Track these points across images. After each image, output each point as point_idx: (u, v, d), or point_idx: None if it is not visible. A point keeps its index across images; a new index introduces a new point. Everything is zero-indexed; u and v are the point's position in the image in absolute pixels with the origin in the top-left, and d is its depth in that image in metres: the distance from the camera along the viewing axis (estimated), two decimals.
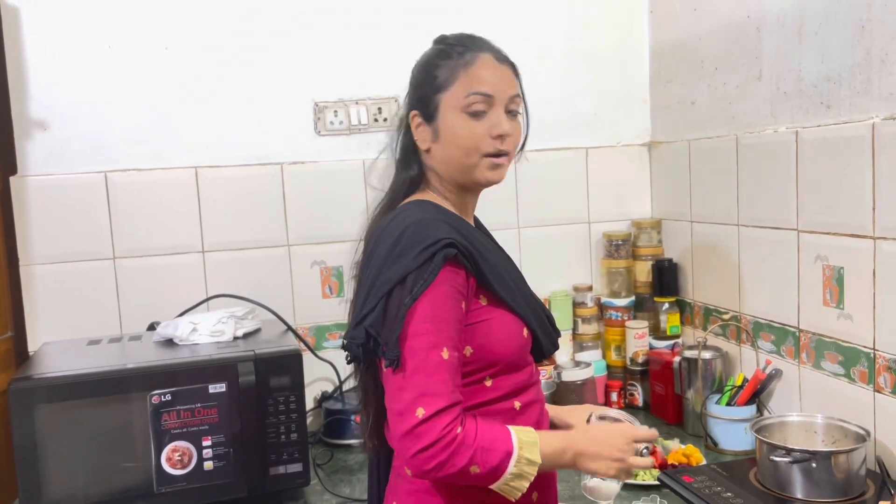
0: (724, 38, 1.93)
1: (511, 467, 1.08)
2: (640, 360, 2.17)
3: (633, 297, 2.26)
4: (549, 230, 2.27)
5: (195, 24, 2.00)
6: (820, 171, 1.61)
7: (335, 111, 2.10)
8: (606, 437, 1.19)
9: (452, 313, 1.10)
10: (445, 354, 1.08)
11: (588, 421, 1.36)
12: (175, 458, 1.55)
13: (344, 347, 1.17)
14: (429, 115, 1.21)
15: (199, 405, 1.56)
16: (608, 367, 2.25)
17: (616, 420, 1.33)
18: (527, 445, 1.10)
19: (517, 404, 1.20)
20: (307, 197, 2.10)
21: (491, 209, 2.17)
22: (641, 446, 1.22)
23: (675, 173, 2.20)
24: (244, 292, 1.98)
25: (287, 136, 2.08)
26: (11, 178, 1.90)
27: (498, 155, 1.20)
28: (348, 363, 1.19)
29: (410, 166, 1.26)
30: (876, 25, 1.44)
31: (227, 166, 2.04)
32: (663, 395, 2.06)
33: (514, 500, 1.12)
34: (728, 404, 1.85)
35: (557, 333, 1.31)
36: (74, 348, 1.74)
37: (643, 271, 2.26)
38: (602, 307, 2.28)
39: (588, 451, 1.16)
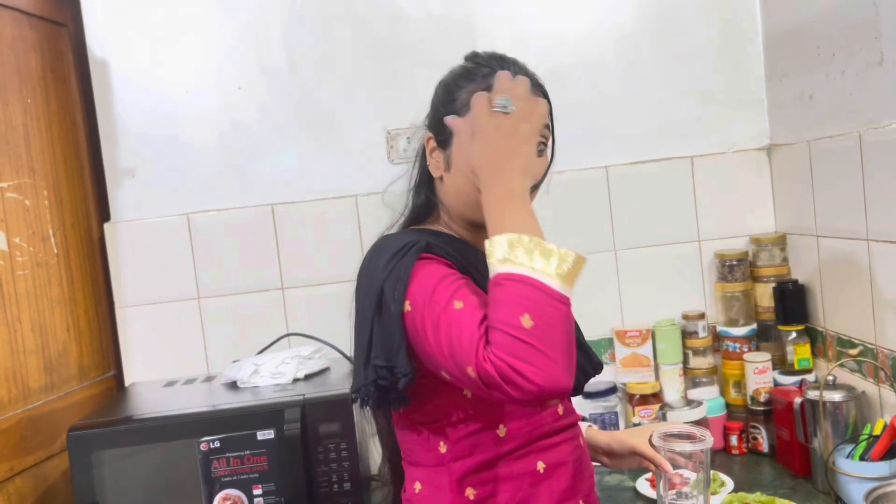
0: (839, 18, 1.62)
1: (548, 279, 0.87)
2: (763, 398, 1.87)
3: (753, 326, 1.96)
4: (651, 251, 2.04)
5: (262, 63, 2.00)
6: None
7: (407, 138, 2.01)
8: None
9: (449, 278, 0.96)
10: (458, 304, 0.92)
11: (650, 441, 1.16)
12: None
13: (362, 400, 1.04)
14: (443, 140, 1.08)
15: (248, 452, 1.52)
16: (727, 405, 1.97)
17: (685, 437, 1.15)
18: (510, 249, 0.90)
19: (540, 465, 1.04)
20: (383, 228, 2.02)
21: (581, 231, 2.02)
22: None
23: (797, 180, 1.89)
24: (322, 329, 1.94)
25: (360, 166, 2.02)
26: (105, 225, 2.00)
27: None
28: (362, 407, 1.07)
29: (419, 195, 1.14)
30: None
31: (302, 202, 2.02)
32: (788, 441, 1.76)
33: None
34: (862, 458, 1.53)
35: (595, 363, 1.12)
36: (150, 391, 1.78)
37: (765, 295, 1.96)
38: (718, 337, 2.00)
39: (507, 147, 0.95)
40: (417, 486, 1.04)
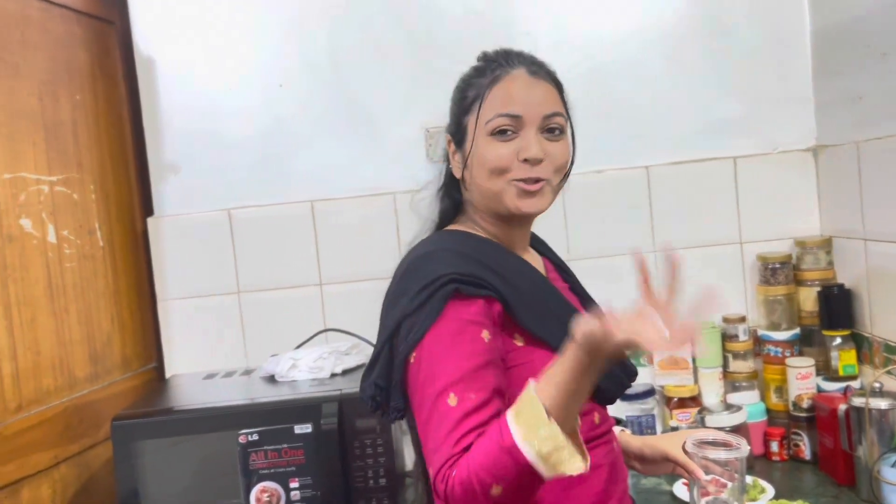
0: (890, 16, 1.58)
1: (532, 456, 0.88)
2: (805, 404, 1.83)
3: (796, 330, 1.92)
4: (692, 253, 2.00)
5: (304, 60, 2.02)
6: None
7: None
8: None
9: (464, 349, 0.97)
10: (453, 400, 0.94)
11: (684, 447, 1.15)
12: (264, 498, 1.54)
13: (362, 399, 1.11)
14: (459, 139, 1.12)
15: (285, 445, 1.54)
16: (768, 411, 1.93)
17: (720, 444, 1.12)
18: (525, 419, 0.89)
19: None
20: (420, 226, 2.03)
21: (620, 230, 2.00)
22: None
23: (844, 182, 1.84)
24: (359, 325, 1.95)
25: (399, 163, 2.03)
26: (149, 219, 2.04)
27: (528, 181, 1.05)
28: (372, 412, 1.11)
29: (446, 197, 1.17)
30: None
31: (341, 198, 2.03)
32: (832, 448, 1.72)
33: (584, 466, 0.91)
34: None
35: (631, 373, 1.11)
36: (190, 382, 1.81)
37: (808, 299, 1.91)
38: (759, 341, 1.96)
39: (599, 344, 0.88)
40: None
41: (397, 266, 1.10)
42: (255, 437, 1.54)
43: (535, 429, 0.88)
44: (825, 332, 1.86)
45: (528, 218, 1.11)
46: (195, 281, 2.03)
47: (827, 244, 1.93)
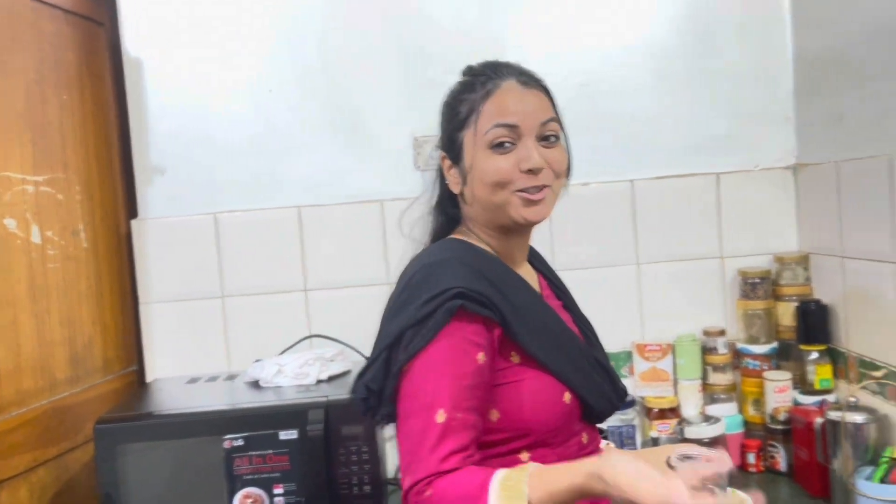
0: (873, 42, 1.63)
1: None
2: (782, 417, 1.87)
3: (774, 344, 1.96)
4: (675, 266, 2.04)
5: (295, 66, 2.02)
6: None
7: (434, 145, 2.01)
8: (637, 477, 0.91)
9: (459, 369, 0.98)
10: (441, 417, 0.96)
11: (668, 462, 1.15)
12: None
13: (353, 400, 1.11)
14: (455, 155, 1.12)
15: (270, 451, 1.54)
16: (745, 423, 1.96)
17: (702, 459, 1.10)
18: (509, 480, 0.91)
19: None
20: (408, 234, 2.04)
21: (605, 243, 2.03)
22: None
23: (822, 200, 1.89)
24: (344, 331, 1.96)
25: (387, 172, 2.04)
26: (133, 221, 2.02)
27: (532, 190, 1.06)
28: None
29: (441, 214, 1.18)
30: None
31: (329, 205, 2.04)
32: (807, 461, 1.76)
33: None
34: (882, 480, 1.52)
35: (621, 392, 1.13)
36: (173, 387, 1.80)
37: (787, 314, 1.95)
38: (738, 354, 2.00)
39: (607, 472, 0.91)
40: None
41: (403, 271, 1.10)
42: (240, 442, 1.53)
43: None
44: (802, 347, 1.90)
45: (530, 227, 1.13)
46: (179, 284, 2.02)
47: (805, 260, 1.97)
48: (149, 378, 2.01)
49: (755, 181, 2.04)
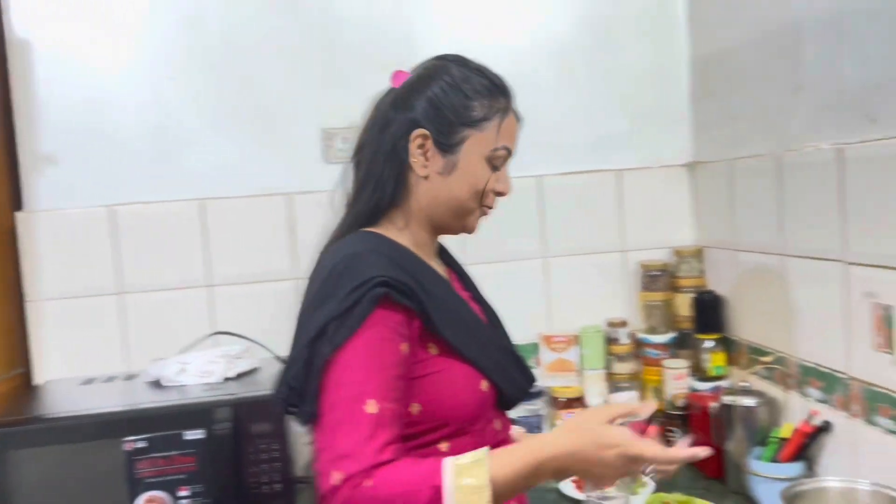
0: (763, 46, 1.73)
1: (448, 502, 0.89)
2: (680, 403, 1.96)
3: (672, 334, 2.05)
4: (580, 260, 2.10)
5: (198, 53, 1.95)
6: (868, 195, 1.39)
7: (344, 137, 2.00)
8: (597, 452, 0.98)
9: (386, 359, 0.97)
10: (372, 408, 0.94)
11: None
12: None
13: (273, 401, 1.07)
14: (447, 144, 1.09)
15: (175, 452, 1.48)
16: None
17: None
18: (466, 469, 0.91)
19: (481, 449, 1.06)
20: (317, 227, 1.99)
21: (513, 237, 2.06)
22: (648, 468, 1.02)
23: (717, 196, 1.99)
24: (251, 327, 1.90)
25: (295, 164, 2.00)
26: (18, 214, 1.89)
27: (489, 209, 1.15)
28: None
29: (379, 192, 1.11)
30: None
31: (233, 198, 1.97)
32: (703, 444, 1.84)
33: None
34: (772, 460, 1.62)
35: (530, 378, 1.16)
36: (66, 388, 1.70)
37: (684, 305, 2.05)
38: (639, 344, 2.08)
39: (563, 457, 0.97)
40: None
41: (318, 264, 1.08)
42: (143, 443, 1.46)
43: (472, 472, 0.91)
44: (698, 336, 1.99)
45: (454, 235, 1.18)
46: (70, 281, 1.91)
47: (700, 254, 2.07)
48: (38, 381, 1.89)
49: (654, 178, 2.13)
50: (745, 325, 1.89)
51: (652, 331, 2.06)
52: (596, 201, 2.11)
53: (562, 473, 0.98)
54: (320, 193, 1.95)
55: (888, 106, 1.32)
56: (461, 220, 1.14)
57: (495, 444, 1.07)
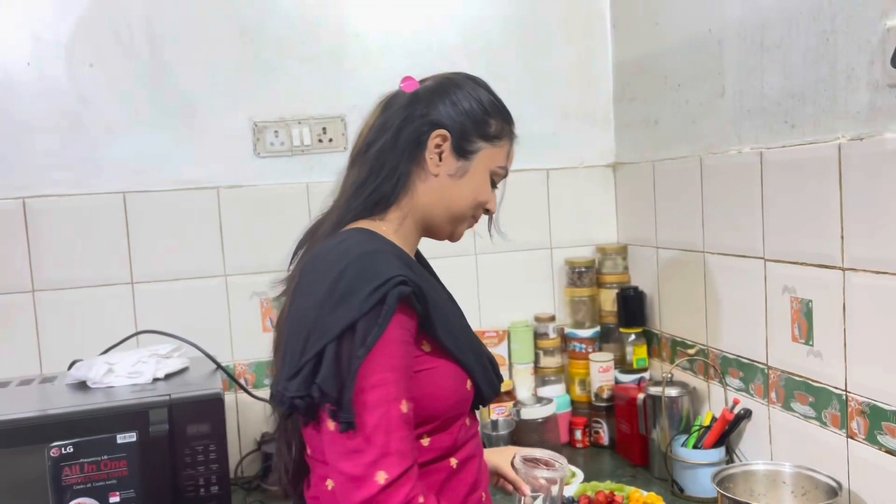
0: (686, 53, 1.81)
1: None
2: (606, 395, 2.03)
3: (598, 328, 2.13)
4: (509, 256, 2.14)
5: (122, 39, 1.87)
6: (786, 196, 1.49)
7: (275, 131, 1.96)
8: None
9: (406, 360, 0.98)
10: (405, 407, 0.96)
11: (512, 463, 1.25)
12: None
13: (275, 401, 1.01)
14: (463, 150, 1.12)
15: (105, 457, 1.40)
16: (572, 402, 2.11)
17: (543, 462, 1.23)
18: None
19: (454, 462, 1.08)
20: (246, 223, 1.96)
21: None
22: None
23: (640, 196, 2.08)
24: (177, 326, 1.83)
25: (223, 158, 1.94)
26: None
27: (475, 221, 1.20)
28: (283, 416, 1.08)
29: (399, 179, 1.10)
30: (840, 38, 1.32)
31: (158, 191, 1.90)
32: (629, 434, 1.92)
33: None
34: (695, 446, 1.71)
35: (500, 379, 1.18)
36: None
37: (608, 300, 2.13)
38: (565, 338, 2.14)
39: None
40: (329, 483, 1.03)
41: (313, 260, 1.04)
42: (70, 449, 1.39)
43: None
44: (622, 330, 2.08)
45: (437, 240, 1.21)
46: None
47: (623, 251, 2.15)
48: None
49: (580, 177, 2.20)
50: (668, 319, 1.99)
51: (578, 325, 2.13)
52: (524, 200, 2.15)
53: None
54: (250, 188, 1.97)
55: (806, 112, 1.42)
56: (454, 225, 1.16)
57: (467, 441, 1.10)
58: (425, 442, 1.03)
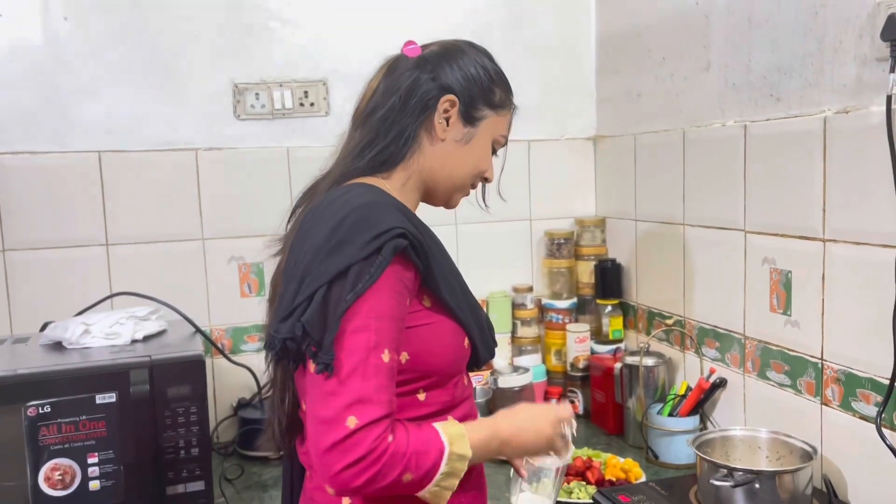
0: (671, 27, 1.82)
1: (443, 466, 0.97)
2: (581, 365, 2.06)
3: (574, 299, 2.15)
4: (489, 227, 2.14)
5: None
6: (768, 168, 1.51)
7: (256, 94, 1.93)
8: (531, 420, 1.11)
9: (397, 311, 0.97)
10: (386, 357, 0.95)
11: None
12: (55, 477, 1.37)
13: (266, 344, 1.02)
14: (470, 117, 1.12)
15: (84, 417, 1.38)
16: (548, 372, 2.14)
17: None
18: (456, 439, 0.99)
19: (451, 420, 1.08)
20: (225, 186, 1.93)
21: (423, 205, 2.07)
22: (566, 428, 1.14)
23: (619, 169, 2.09)
24: (153, 290, 1.79)
25: (203, 119, 1.91)
26: None
27: (472, 189, 1.20)
28: (273, 360, 1.05)
29: (408, 139, 1.09)
30: (829, 12, 1.34)
31: (134, 151, 1.86)
32: (604, 403, 1.95)
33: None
34: (670, 414, 1.74)
35: (495, 342, 1.19)
36: None
37: (586, 272, 2.15)
38: (543, 309, 2.16)
39: (514, 437, 1.08)
40: None
41: (317, 211, 1.02)
42: (47, 409, 1.36)
43: (459, 443, 0.99)
44: (599, 301, 2.10)
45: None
46: None
47: (602, 223, 2.17)
48: None
49: (561, 150, 2.20)
50: (645, 291, 2.01)
51: (556, 296, 2.15)
52: (506, 171, 2.14)
53: (504, 449, 1.08)
54: (230, 150, 1.93)
55: (793, 86, 1.44)
56: (453, 192, 1.16)
57: (463, 400, 1.11)
58: (421, 396, 1.04)
